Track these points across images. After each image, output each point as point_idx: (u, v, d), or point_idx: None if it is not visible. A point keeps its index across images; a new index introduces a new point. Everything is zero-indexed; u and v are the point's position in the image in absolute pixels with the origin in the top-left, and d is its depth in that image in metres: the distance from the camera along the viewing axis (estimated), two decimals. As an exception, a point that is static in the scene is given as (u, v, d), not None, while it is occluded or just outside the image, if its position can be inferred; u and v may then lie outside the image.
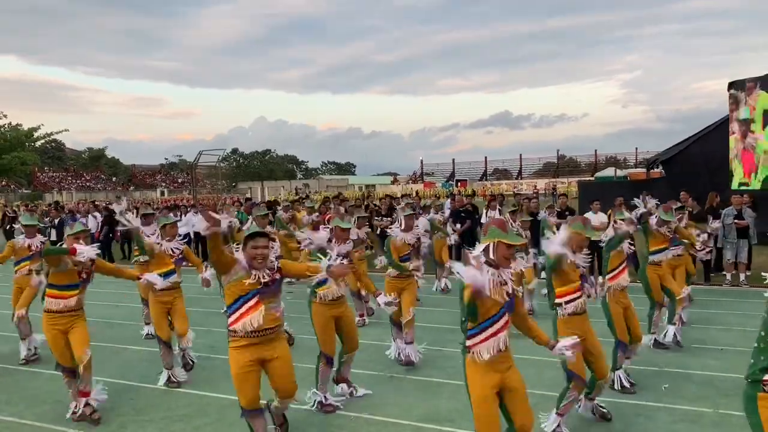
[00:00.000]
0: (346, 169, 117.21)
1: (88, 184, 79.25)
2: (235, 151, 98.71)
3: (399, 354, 7.07)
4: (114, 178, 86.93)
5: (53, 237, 15.45)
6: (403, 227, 7.25)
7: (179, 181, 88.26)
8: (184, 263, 7.11)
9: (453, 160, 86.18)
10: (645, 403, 5.67)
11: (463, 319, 3.80)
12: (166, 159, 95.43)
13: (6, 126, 59.14)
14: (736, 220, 11.80)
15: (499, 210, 13.91)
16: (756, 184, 17.17)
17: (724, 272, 12.03)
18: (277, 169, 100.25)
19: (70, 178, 79.92)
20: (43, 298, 5.68)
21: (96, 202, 24.68)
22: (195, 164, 46.89)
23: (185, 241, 7.86)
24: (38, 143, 64.96)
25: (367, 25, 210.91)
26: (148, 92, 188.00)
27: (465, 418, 5.00)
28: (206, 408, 5.70)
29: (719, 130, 19.72)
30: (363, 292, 8.93)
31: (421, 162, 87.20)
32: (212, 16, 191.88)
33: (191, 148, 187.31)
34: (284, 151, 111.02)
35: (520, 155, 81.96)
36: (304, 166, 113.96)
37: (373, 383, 6.37)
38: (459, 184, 70.38)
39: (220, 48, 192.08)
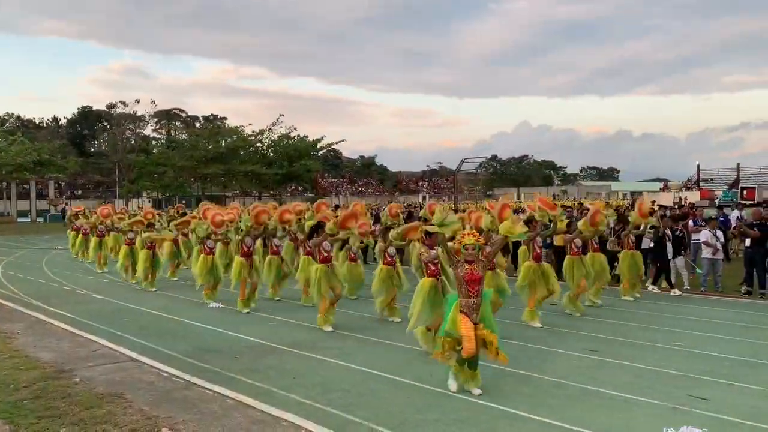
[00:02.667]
0: (608, 174, 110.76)
1: (360, 189, 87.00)
2: (494, 157, 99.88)
3: None
4: (382, 184, 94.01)
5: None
6: None
7: (441, 186, 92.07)
8: None
9: (738, 164, 76.00)
10: None
11: None
12: (428, 166, 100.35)
13: (295, 138, 67.91)
14: None
15: None
16: None
17: None
18: (534, 175, 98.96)
19: (345, 183, 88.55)
20: None
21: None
22: (457, 171, 48.61)
23: None
24: (320, 152, 73.26)
25: (643, 24, 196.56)
26: (421, 105, 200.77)
27: None
28: (480, 416, 5.68)
29: None
30: None
31: (698, 167, 78.48)
32: (486, 29, 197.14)
33: (453, 155, 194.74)
34: (546, 156, 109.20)
35: (828, 158, 68.78)
36: (562, 172, 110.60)
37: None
38: (745, 192, 61.78)
39: (490, 59, 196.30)
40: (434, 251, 8.05)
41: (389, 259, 10.07)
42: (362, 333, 9.13)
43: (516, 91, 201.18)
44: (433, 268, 7.98)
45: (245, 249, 11.11)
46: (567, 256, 10.76)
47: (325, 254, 9.59)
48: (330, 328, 9.28)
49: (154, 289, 13.60)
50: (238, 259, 11.11)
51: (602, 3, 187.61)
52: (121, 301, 12.35)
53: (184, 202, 50.27)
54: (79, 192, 71.89)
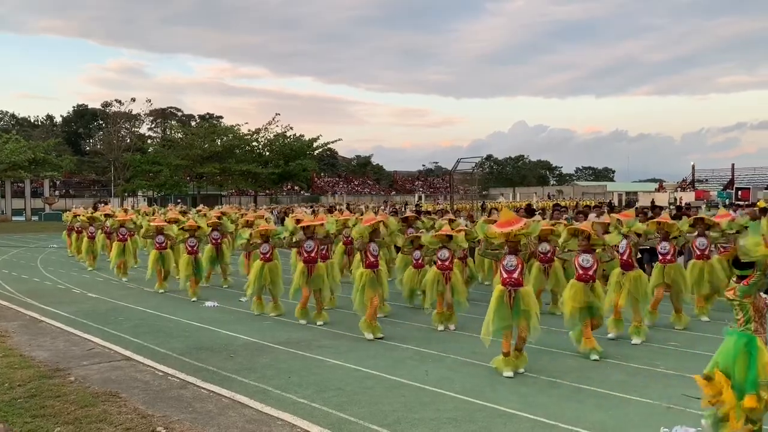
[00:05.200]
0: (604, 174, 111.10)
1: (356, 189, 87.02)
2: (489, 157, 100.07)
3: None
4: (378, 184, 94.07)
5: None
6: None
7: (436, 186, 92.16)
8: None
9: (732, 165, 76.31)
10: None
11: None
12: (424, 165, 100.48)
13: (291, 137, 67.87)
14: None
15: None
16: None
17: None
18: (530, 175, 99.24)
19: (341, 183, 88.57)
20: None
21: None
22: (452, 171, 48.84)
23: None
24: (316, 152, 73.20)
25: (640, 25, 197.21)
26: (417, 104, 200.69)
27: None
28: (475, 414, 5.69)
29: None
30: None
31: (693, 167, 78.77)
32: (483, 29, 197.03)
33: (449, 154, 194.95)
34: (542, 156, 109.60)
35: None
36: (557, 172, 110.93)
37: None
38: (740, 193, 62.00)
39: (487, 58, 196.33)
40: (512, 257, 7.09)
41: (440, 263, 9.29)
42: (357, 332, 9.11)
43: (512, 90, 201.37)
44: (505, 275, 7.05)
45: (305, 254, 10.02)
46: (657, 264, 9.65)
47: (372, 259, 9.01)
48: (371, 336, 8.66)
49: (195, 299, 12.16)
50: (300, 266, 10.05)
51: (599, 3, 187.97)
52: (116, 299, 12.32)
53: (180, 200, 50.19)
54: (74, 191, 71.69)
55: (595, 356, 7.44)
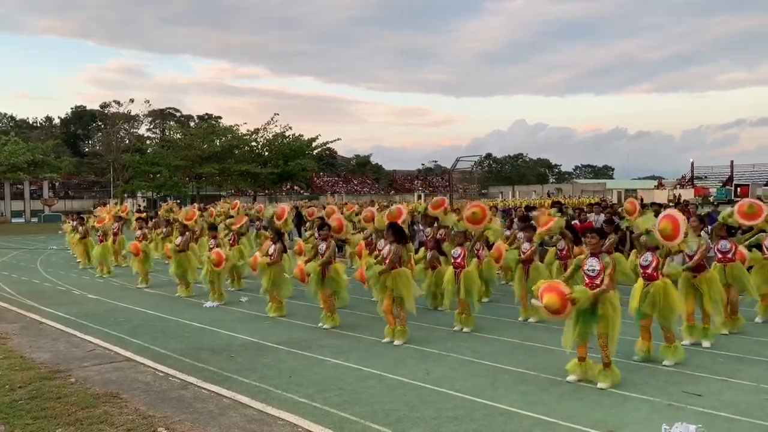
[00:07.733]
0: (603, 172, 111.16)
1: (355, 188, 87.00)
2: (488, 155, 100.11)
3: None
4: (377, 183, 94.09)
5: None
6: None
7: (436, 185, 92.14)
8: None
9: (731, 162, 76.42)
10: None
11: None
12: (423, 164, 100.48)
13: (291, 137, 67.82)
14: None
15: None
16: None
17: None
18: (529, 173, 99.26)
19: (341, 182, 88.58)
20: None
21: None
22: (452, 170, 48.88)
23: None
24: (315, 151, 73.19)
25: (639, 23, 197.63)
26: (417, 103, 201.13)
27: None
28: (475, 413, 5.70)
29: None
30: None
31: (692, 164, 78.80)
32: (483, 28, 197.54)
33: (448, 153, 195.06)
34: (542, 154, 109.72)
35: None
36: (556, 170, 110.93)
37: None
38: (739, 189, 62.02)
39: (487, 57, 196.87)
40: (594, 260, 6.60)
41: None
42: (358, 331, 9.13)
43: (512, 89, 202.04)
44: (587, 280, 6.57)
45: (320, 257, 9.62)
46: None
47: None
48: (388, 339, 8.35)
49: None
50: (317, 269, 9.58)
51: (598, 2, 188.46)
52: (116, 300, 12.33)
53: (178, 201, 50.19)
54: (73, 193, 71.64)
55: (636, 356, 7.29)
